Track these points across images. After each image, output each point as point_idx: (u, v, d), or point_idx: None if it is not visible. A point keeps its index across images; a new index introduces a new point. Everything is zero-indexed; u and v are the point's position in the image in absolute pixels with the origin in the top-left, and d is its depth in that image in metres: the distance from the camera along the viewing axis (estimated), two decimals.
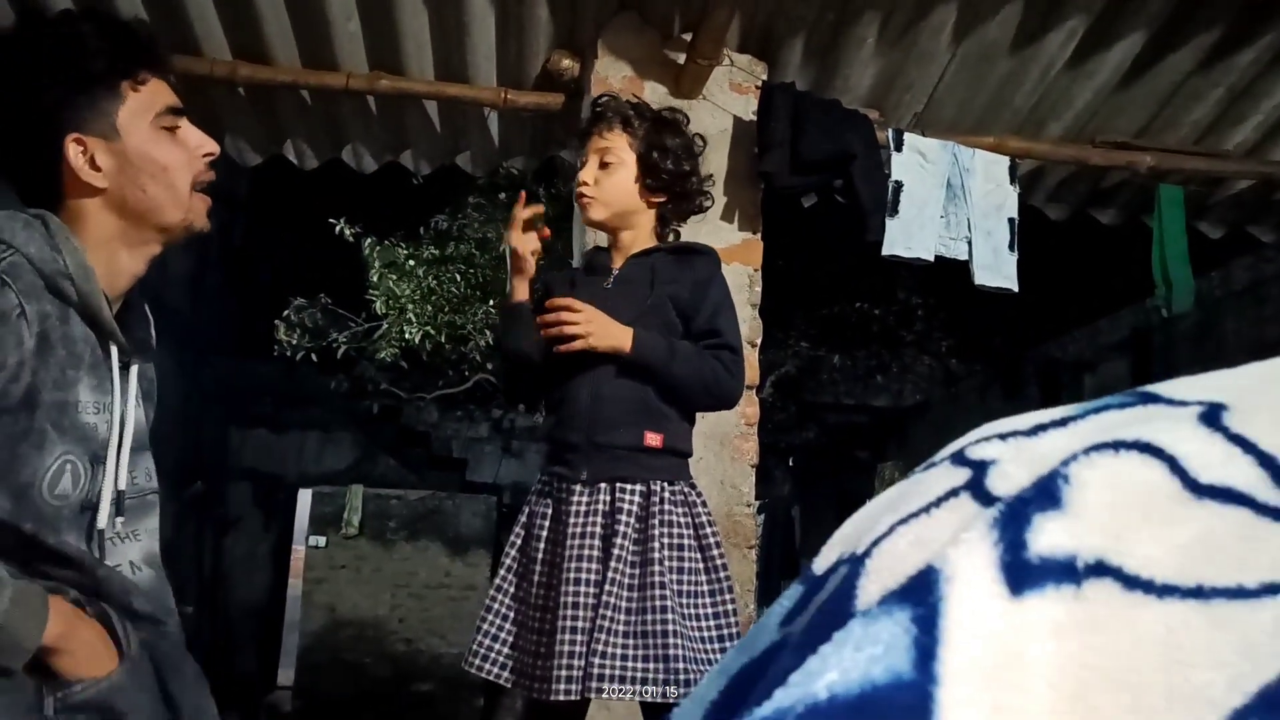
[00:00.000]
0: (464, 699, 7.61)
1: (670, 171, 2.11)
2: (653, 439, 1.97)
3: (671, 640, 1.82)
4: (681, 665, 1.81)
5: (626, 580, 1.88)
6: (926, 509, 0.28)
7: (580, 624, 1.83)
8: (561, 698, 1.80)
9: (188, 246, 1.38)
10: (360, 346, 7.69)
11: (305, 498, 8.47)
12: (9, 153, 1.27)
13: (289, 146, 3.96)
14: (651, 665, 1.81)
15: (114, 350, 1.24)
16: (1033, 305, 5.29)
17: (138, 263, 1.30)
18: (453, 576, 7.88)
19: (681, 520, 1.95)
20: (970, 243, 3.48)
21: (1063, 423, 0.30)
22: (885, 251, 3.37)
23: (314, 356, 7.60)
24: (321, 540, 7.86)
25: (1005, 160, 3.59)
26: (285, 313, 7.55)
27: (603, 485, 1.95)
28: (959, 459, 0.30)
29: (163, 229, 1.30)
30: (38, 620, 1.06)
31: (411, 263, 6.87)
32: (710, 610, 1.93)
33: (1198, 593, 0.24)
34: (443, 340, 7.01)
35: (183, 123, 1.32)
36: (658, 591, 1.86)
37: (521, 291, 2.10)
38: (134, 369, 1.29)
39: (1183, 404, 0.29)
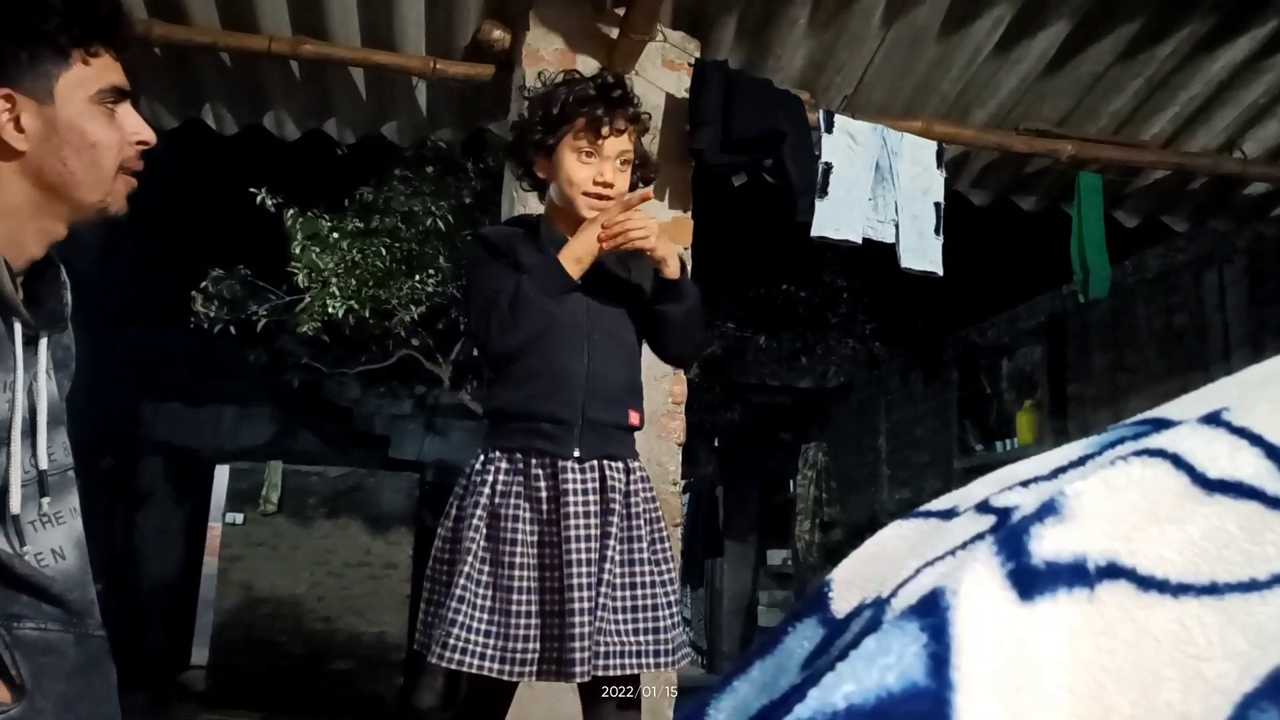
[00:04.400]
0: (383, 677, 7.54)
1: (652, 172, 2.15)
2: (634, 417, 2.01)
3: (660, 614, 1.89)
4: (666, 636, 1.88)
5: (620, 558, 1.91)
6: (952, 552, 0.28)
7: (589, 604, 1.83)
8: (580, 680, 1.81)
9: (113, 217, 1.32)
10: (281, 320, 7.54)
11: (222, 474, 8.30)
12: None
13: (207, 110, 3.85)
14: (645, 638, 1.87)
15: (17, 325, 1.18)
16: (954, 290, 5.39)
17: (46, 234, 1.24)
18: (373, 555, 7.79)
19: (649, 495, 2.00)
20: (897, 226, 3.53)
21: (1081, 462, 0.30)
22: (814, 233, 3.39)
23: (232, 329, 7.44)
24: (239, 517, 7.71)
25: (933, 145, 3.64)
26: (203, 284, 7.37)
27: (594, 462, 1.92)
28: (984, 507, 0.30)
29: (76, 206, 1.24)
30: None
31: (335, 235, 6.74)
32: (664, 579, 1.97)
33: (1211, 589, 0.24)
34: (366, 315, 6.91)
35: (124, 105, 1.27)
36: (645, 568, 1.92)
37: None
38: (42, 342, 1.23)
39: (1188, 420, 0.30)
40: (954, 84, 3.66)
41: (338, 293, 6.73)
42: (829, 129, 3.45)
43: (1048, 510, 0.27)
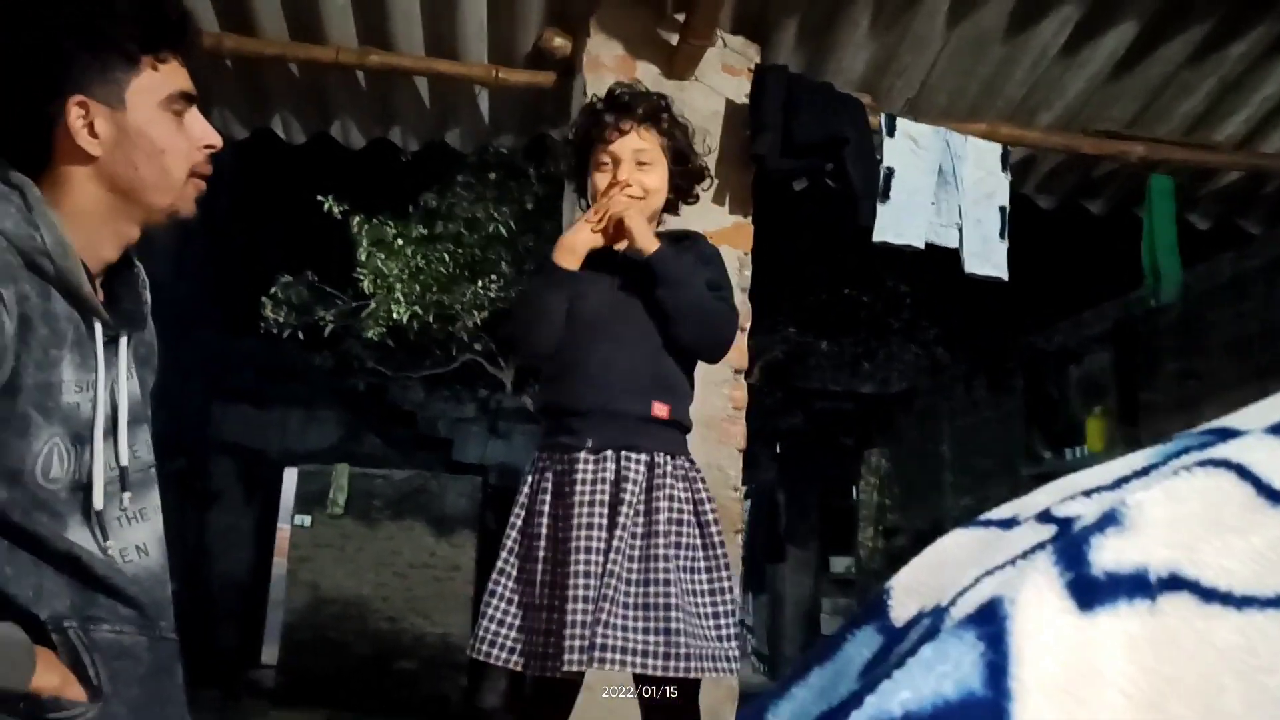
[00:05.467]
0: (447, 677, 7.61)
1: (694, 175, 2.15)
2: (660, 409, 1.97)
3: (673, 614, 1.82)
4: (682, 640, 1.80)
5: (632, 552, 1.87)
6: (1012, 561, 0.28)
7: (589, 593, 1.81)
8: (570, 669, 1.79)
9: (183, 220, 1.35)
10: (347, 324, 7.66)
11: (291, 476, 8.45)
12: (2, 107, 1.22)
13: (276, 120, 3.93)
14: (653, 638, 1.80)
15: (98, 325, 1.21)
16: (1019, 295, 5.31)
17: (120, 237, 1.27)
18: (437, 556, 7.87)
19: (682, 495, 1.94)
20: (961, 230, 3.48)
21: (1144, 472, 0.30)
22: (876, 237, 3.36)
23: (300, 334, 7.57)
24: (307, 519, 7.84)
25: (997, 148, 3.59)
26: (272, 289, 7.51)
27: (609, 453, 1.93)
28: (1045, 517, 0.30)
29: (147, 209, 1.27)
30: (20, 673, 1.05)
31: (400, 241, 6.84)
32: (706, 587, 1.93)
33: (1276, 602, 0.24)
34: (430, 320, 6.99)
35: (191, 110, 1.30)
36: (661, 565, 1.85)
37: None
38: (123, 340, 1.26)
39: (1254, 430, 0.29)
40: (1019, 86, 3.61)
41: (402, 298, 6.82)
42: (891, 133, 3.42)
43: (1109, 520, 0.27)
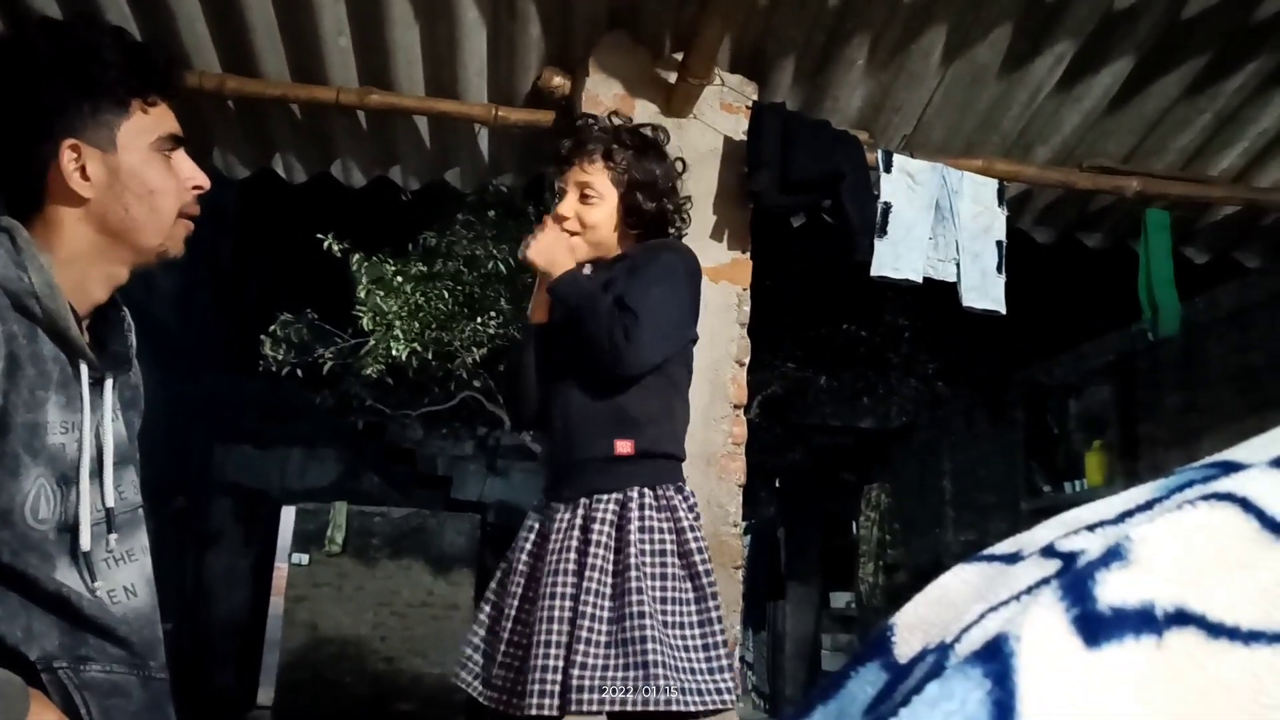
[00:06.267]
0: (445, 719, 7.55)
1: (651, 210, 2.10)
2: (623, 446, 1.95)
3: (649, 646, 1.78)
4: (660, 672, 1.76)
5: (604, 589, 1.86)
6: (1017, 597, 0.28)
7: (556, 638, 1.81)
8: (535, 712, 1.78)
9: (173, 260, 1.36)
10: (346, 363, 7.67)
11: (289, 515, 8.42)
12: None
13: (278, 160, 3.95)
14: (631, 674, 1.77)
15: (84, 367, 1.21)
16: (1018, 329, 5.32)
17: (109, 279, 1.28)
18: (436, 595, 7.83)
19: (662, 525, 1.92)
20: (958, 264, 3.49)
21: (1147, 506, 0.30)
22: (874, 272, 3.38)
23: (299, 372, 7.58)
24: (304, 557, 7.81)
25: (993, 183, 3.61)
26: (272, 328, 7.53)
27: (581, 500, 1.95)
28: (1049, 552, 0.30)
29: (137, 250, 1.28)
30: (15, 716, 1.04)
31: (399, 279, 6.86)
32: (695, 618, 1.90)
33: None
34: (429, 357, 7.00)
35: (179, 152, 1.31)
36: (634, 598, 1.83)
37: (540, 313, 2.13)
38: (108, 383, 1.27)
39: (1258, 464, 0.29)
40: (1015, 122, 3.63)
41: (401, 335, 6.83)
42: (888, 169, 3.44)
43: (1113, 555, 0.27)
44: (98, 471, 1.22)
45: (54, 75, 1.22)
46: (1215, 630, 0.25)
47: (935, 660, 0.29)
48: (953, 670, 0.26)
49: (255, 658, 9.24)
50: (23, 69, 1.23)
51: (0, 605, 1.10)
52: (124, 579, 1.23)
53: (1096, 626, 0.25)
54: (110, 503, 1.22)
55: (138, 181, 1.26)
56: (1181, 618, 0.25)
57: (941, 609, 0.32)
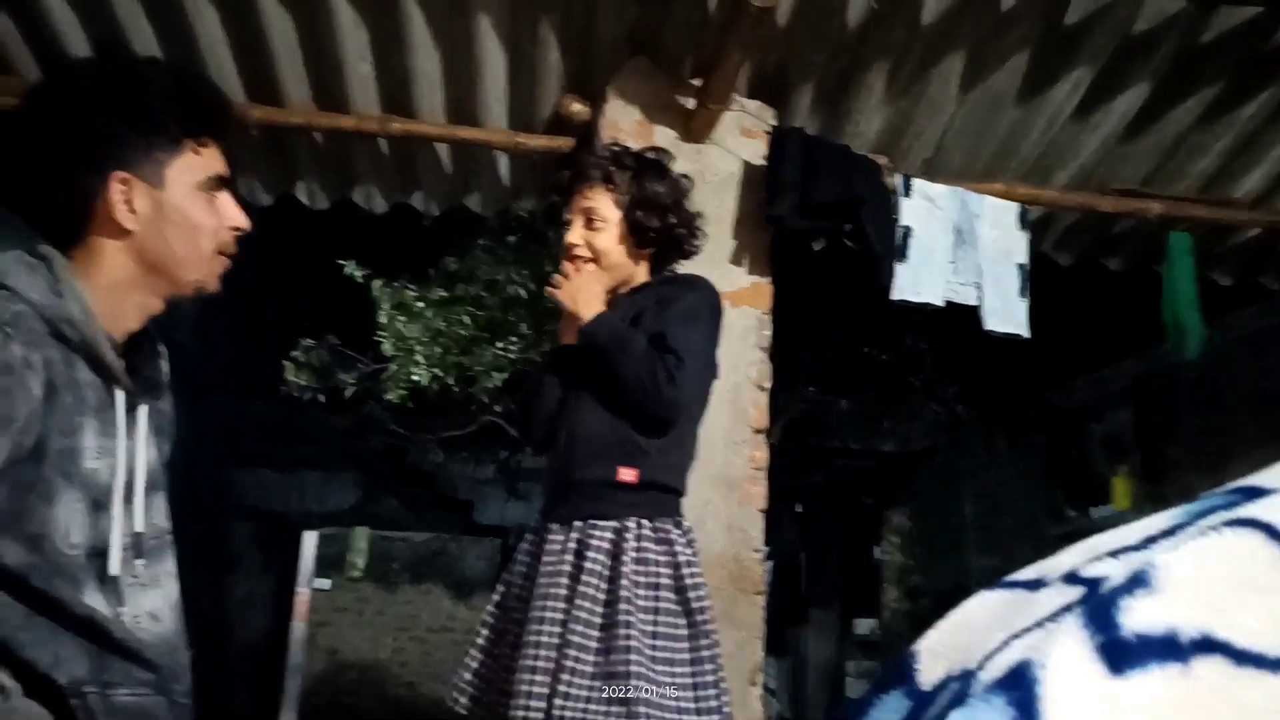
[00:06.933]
0: None
1: (656, 228, 2.09)
2: (626, 474, 1.93)
3: (634, 683, 1.76)
4: (643, 710, 1.75)
5: (594, 619, 1.83)
6: (1040, 624, 0.28)
7: (541, 664, 1.80)
8: None
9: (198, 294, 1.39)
10: (367, 387, 7.69)
11: (310, 539, 8.44)
12: (46, 177, 1.25)
13: (300, 187, 3.99)
14: (614, 709, 1.75)
15: (119, 393, 1.23)
16: (1039, 352, 5.29)
17: (144, 308, 1.30)
18: (456, 620, 7.83)
19: (658, 558, 1.90)
20: (980, 288, 3.48)
21: (1171, 532, 0.30)
22: (894, 296, 3.37)
23: (321, 397, 7.60)
24: (326, 583, 7.83)
25: (1015, 207, 3.60)
26: (293, 353, 7.56)
27: (576, 524, 1.92)
28: (1072, 578, 0.30)
29: (175, 283, 1.30)
30: None
31: (420, 304, 6.88)
32: (687, 655, 1.87)
33: None
34: (451, 382, 7.01)
35: (223, 193, 1.34)
36: (624, 631, 1.81)
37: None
38: (142, 409, 1.28)
39: None
40: (1034, 147, 3.63)
41: (422, 360, 6.84)
42: (907, 193, 3.44)
43: (1137, 582, 0.27)
44: (129, 496, 1.23)
45: (111, 108, 1.24)
46: (1241, 658, 0.24)
47: (959, 687, 0.29)
48: (977, 698, 0.26)
49: (277, 683, 9.24)
50: (80, 99, 1.25)
51: (30, 630, 1.10)
52: (150, 604, 1.24)
53: (1121, 654, 0.25)
54: (140, 528, 1.23)
55: (182, 218, 1.28)
56: (1207, 645, 0.25)
57: (964, 635, 0.32)
